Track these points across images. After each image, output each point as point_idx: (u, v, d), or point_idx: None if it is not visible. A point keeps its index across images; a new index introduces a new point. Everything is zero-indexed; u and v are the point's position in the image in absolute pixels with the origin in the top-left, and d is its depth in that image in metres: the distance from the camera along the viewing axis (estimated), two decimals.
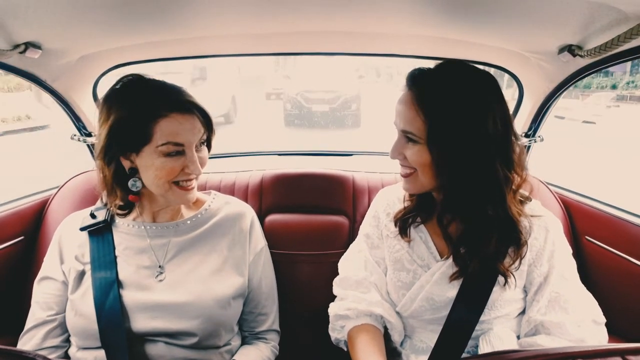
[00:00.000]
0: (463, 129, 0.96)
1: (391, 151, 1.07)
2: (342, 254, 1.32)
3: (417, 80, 1.02)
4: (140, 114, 1.04)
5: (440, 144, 0.97)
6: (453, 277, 1.06)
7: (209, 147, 1.19)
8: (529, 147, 1.74)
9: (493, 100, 0.99)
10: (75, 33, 1.21)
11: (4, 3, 0.92)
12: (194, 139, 1.08)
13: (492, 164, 0.98)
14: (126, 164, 1.10)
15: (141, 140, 1.05)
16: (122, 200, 1.15)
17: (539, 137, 1.72)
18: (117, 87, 1.10)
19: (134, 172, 1.10)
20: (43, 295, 1.15)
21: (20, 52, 1.17)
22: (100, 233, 1.17)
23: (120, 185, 1.13)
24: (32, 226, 1.51)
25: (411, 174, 1.06)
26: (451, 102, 0.96)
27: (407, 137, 1.03)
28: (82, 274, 1.13)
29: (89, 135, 1.74)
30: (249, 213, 1.32)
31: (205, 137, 1.13)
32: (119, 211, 1.17)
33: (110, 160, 1.09)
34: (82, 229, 1.17)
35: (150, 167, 1.06)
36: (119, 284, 1.10)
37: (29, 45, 1.17)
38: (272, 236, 1.41)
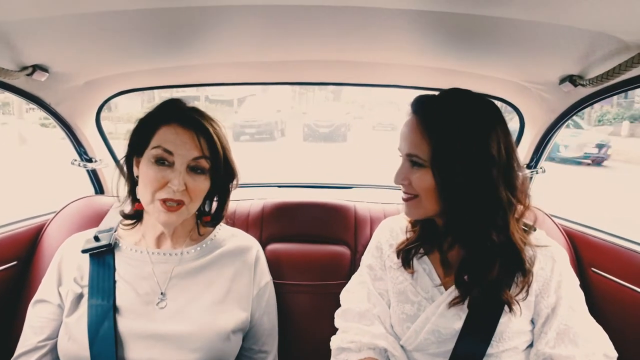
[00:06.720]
0: (468, 152, 0.96)
1: (395, 176, 1.07)
2: (343, 284, 1.28)
3: (423, 105, 1.04)
4: (150, 118, 1.10)
5: (445, 167, 0.97)
6: (453, 303, 1.04)
7: (218, 190, 1.20)
8: (531, 178, 1.74)
9: (496, 125, 0.99)
10: (84, 57, 1.23)
11: (16, 25, 0.93)
12: (186, 154, 1.06)
13: (496, 187, 0.97)
14: (135, 171, 1.12)
15: (144, 144, 1.09)
16: (130, 206, 1.18)
17: (541, 168, 1.72)
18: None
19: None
20: (37, 319, 1.11)
21: (27, 75, 1.18)
22: (102, 257, 1.14)
23: (132, 193, 1.16)
24: (27, 251, 1.47)
25: (413, 198, 1.05)
26: (456, 126, 0.97)
27: (411, 161, 1.03)
28: (79, 297, 1.09)
29: (90, 160, 1.74)
30: (255, 247, 1.30)
31: (204, 164, 1.09)
32: (125, 221, 1.19)
33: (127, 165, 1.15)
34: (84, 251, 1.14)
35: (142, 174, 1.08)
36: (116, 311, 1.06)
37: (36, 67, 1.18)
38: (273, 266, 1.38)
